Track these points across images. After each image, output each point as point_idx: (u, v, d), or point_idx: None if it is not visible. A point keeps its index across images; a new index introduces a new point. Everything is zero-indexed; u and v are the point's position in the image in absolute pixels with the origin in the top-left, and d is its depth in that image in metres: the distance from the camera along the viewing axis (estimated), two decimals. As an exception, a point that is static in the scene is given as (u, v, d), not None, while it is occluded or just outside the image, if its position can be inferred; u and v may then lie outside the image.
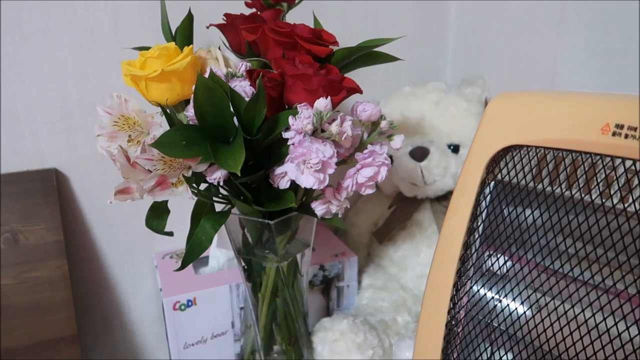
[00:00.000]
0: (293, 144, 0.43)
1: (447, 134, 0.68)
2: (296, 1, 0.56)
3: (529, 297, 0.36)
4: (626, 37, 0.55)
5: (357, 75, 0.65)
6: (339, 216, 0.50)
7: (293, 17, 0.59)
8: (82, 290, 0.69)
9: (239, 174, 0.40)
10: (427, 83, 0.72)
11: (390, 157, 0.69)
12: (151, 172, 0.43)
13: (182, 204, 0.49)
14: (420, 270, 0.69)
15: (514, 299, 0.37)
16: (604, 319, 0.31)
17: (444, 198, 0.69)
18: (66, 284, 0.62)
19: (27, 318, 0.60)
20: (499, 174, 0.37)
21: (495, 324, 0.38)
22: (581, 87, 0.60)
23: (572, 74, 0.61)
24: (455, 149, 0.68)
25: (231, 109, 0.44)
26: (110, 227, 0.69)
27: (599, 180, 0.31)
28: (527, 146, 0.36)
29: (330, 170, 0.43)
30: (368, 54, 0.50)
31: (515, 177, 0.37)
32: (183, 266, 0.47)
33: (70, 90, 0.63)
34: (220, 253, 0.69)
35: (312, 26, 0.51)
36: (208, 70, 0.45)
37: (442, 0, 0.79)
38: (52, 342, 0.61)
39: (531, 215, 0.36)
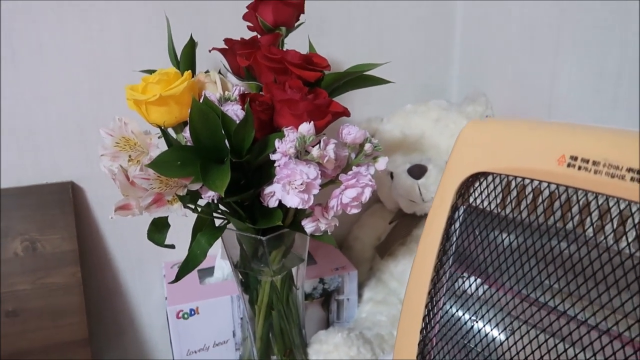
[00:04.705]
0: (279, 166, 0.45)
1: (446, 151, 0.69)
2: (295, 25, 0.59)
3: (502, 320, 0.37)
4: (619, 59, 0.55)
5: (363, 92, 0.67)
6: (329, 233, 0.52)
7: (296, 38, 0.62)
8: (95, 296, 0.73)
9: (223, 195, 0.42)
10: (429, 101, 0.73)
11: (391, 173, 0.71)
12: (148, 190, 0.46)
13: (190, 217, 0.51)
14: (418, 285, 0.70)
15: (488, 322, 0.38)
16: (572, 346, 0.32)
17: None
18: (79, 290, 0.66)
19: (43, 321, 0.65)
20: (469, 199, 0.39)
21: (471, 345, 0.39)
22: (577, 106, 0.61)
23: (569, 93, 0.61)
24: (454, 166, 0.69)
25: (223, 131, 0.47)
26: (122, 237, 0.73)
27: (554, 210, 0.32)
28: (494, 173, 0.37)
29: (315, 191, 0.45)
30: (358, 77, 0.52)
31: (482, 203, 0.38)
32: (177, 279, 0.50)
33: (86, 107, 0.67)
34: (225, 264, 0.72)
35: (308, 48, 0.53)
36: (203, 95, 0.48)
37: (447, 18, 0.80)
38: (65, 345, 0.65)
39: (500, 240, 0.37)
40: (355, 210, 0.48)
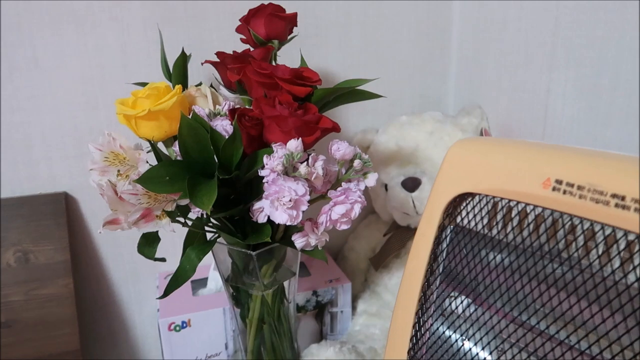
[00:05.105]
0: (267, 182, 0.45)
1: (440, 164, 0.68)
2: (288, 38, 0.59)
3: (490, 341, 0.37)
4: (613, 75, 0.54)
5: (357, 103, 0.66)
6: (319, 248, 0.52)
7: (290, 50, 0.62)
8: (88, 307, 0.73)
9: (209, 213, 0.42)
10: (423, 112, 0.73)
11: (386, 185, 0.70)
12: (136, 205, 0.46)
13: (183, 228, 0.51)
14: (413, 298, 0.69)
15: (476, 343, 0.38)
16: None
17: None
18: (72, 301, 0.66)
19: (35, 333, 0.65)
20: (456, 219, 0.38)
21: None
22: (572, 120, 0.60)
23: (564, 107, 0.61)
24: (448, 179, 0.68)
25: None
26: (116, 248, 0.73)
27: (540, 232, 0.32)
28: (480, 194, 0.36)
29: (304, 207, 0.45)
30: (349, 92, 0.52)
31: (469, 223, 0.37)
32: (166, 294, 0.50)
33: (81, 119, 0.67)
34: (219, 275, 0.71)
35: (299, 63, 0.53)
36: (192, 110, 0.48)
37: (444, 29, 0.80)
38: (57, 356, 0.65)
39: (488, 260, 0.37)
40: (345, 227, 0.48)
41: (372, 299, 0.73)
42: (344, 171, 0.49)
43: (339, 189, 0.47)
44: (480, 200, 0.36)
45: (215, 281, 0.71)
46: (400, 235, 0.71)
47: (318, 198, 0.49)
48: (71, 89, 0.66)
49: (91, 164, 0.48)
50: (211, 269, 0.72)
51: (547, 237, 0.32)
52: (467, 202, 0.37)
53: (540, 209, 0.32)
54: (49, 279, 0.66)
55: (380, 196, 0.71)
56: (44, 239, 0.67)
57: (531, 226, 0.33)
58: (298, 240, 0.50)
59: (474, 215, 0.36)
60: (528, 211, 0.33)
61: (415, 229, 0.70)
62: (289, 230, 0.52)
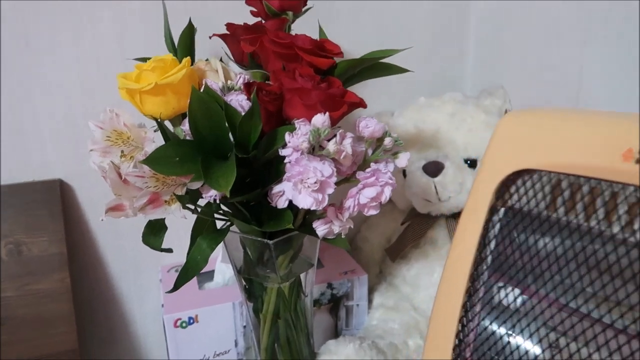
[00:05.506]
0: (290, 162, 0.40)
1: (463, 147, 0.64)
2: (302, 10, 0.54)
3: (546, 336, 0.33)
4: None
5: (370, 85, 0.62)
6: (343, 236, 0.47)
7: (301, 25, 0.57)
8: (86, 302, 0.68)
9: (229, 195, 0.37)
10: (443, 94, 0.69)
11: (404, 171, 0.66)
12: (143, 189, 0.41)
13: (190, 216, 0.47)
14: (433, 290, 0.64)
15: (528, 338, 0.34)
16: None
17: (460, 215, 0.65)
18: (68, 297, 0.61)
19: (29, 331, 0.60)
20: (510, 200, 0.34)
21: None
22: (609, 101, 0.56)
23: (599, 86, 0.57)
24: (472, 163, 0.64)
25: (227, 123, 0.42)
26: (116, 238, 0.68)
27: (620, 213, 0.28)
28: (540, 171, 0.32)
29: (330, 190, 0.41)
30: (375, 66, 0.48)
31: (527, 204, 0.33)
32: (176, 287, 0.45)
33: (76, 101, 0.62)
34: (227, 267, 0.67)
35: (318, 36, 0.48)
36: (204, 84, 0.43)
37: (462, 5, 0.76)
38: (53, 356, 0.60)
39: (546, 246, 0.33)
40: (373, 212, 0.44)
41: (388, 291, 0.69)
42: (370, 151, 0.45)
43: (368, 170, 0.42)
44: (541, 178, 0.31)
45: (222, 274, 0.67)
46: (419, 224, 0.66)
47: (342, 181, 0.45)
48: (65, 69, 0.61)
49: (91, 144, 0.43)
50: (218, 260, 0.67)
51: (627, 220, 0.27)
52: (524, 180, 0.33)
53: (619, 186, 0.28)
54: (43, 273, 0.61)
55: (398, 182, 0.67)
56: (37, 230, 0.62)
57: (607, 206, 0.28)
58: (320, 228, 0.45)
59: (534, 195, 0.32)
60: (603, 188, 0.29)
61: (436, 217, 0.66)
62: (309, 217, 0.48)
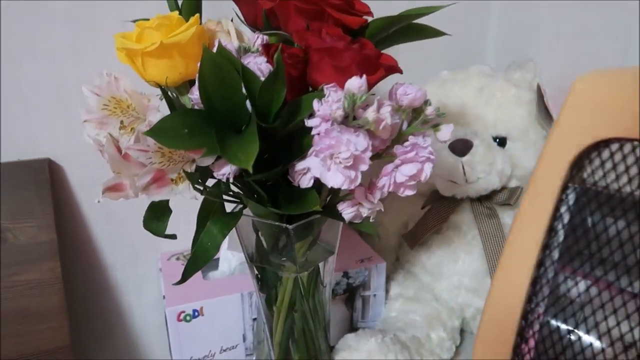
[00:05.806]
0: (318, 134, 0.35)
1: (492, 124, 0.59)
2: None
3: (622, 336, 0.28)
4: None
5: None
6: (371, 220, 0.42)
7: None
8: (80, 294, 0.63)
9: (251, 171, 0.32)
10: (468, 67, 0.63)
11: (425, 150, 0.61)
12: (146, 165, 0.36)
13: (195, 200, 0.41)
14: (457, 279, 0.61)
15: (601, 336, 0.29)
16: None
17: (487, 198, 0.61)
18: (59, 288, 0.56)
19: (16, 326, 0.54)
20: (586, 177, 0.29)
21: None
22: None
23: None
24: (501, 142, 0.59)
25: (244, 90, 0.36)
26: (112, 224, 0.62)
27: None
28: (627, 140, 0.27)
29: (364, 167, 0.35)
30: (409, 27, 0.42)
31: (607, 181, 0.28)
32: (184, 279, 0.40)
33: (66, 69, 0.56)
34: (232, 255, 0.62)
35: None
36: (216, 44, 0.37)
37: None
38: (44, 354, 0.55)
39: (627, 231, 0.28)
40: (409, 192, 0.39)
41: (407, 280, 0.64)
42: (406, 124, 0.39)
43: (406, 144, 0.37)
44: (634, 149, 0.26)
45: (228, 262, 0.62)
46: (442, 208, 0.62)
47: (374, 157, 0.39)
48: (53, 31, 0.54)
49: (85, 114, 0.38)
50: (223, 248, 0.62)
51: None
52: (607, 152, 0.27)
53: None
54: (31, 263, 0.55)
55: (419, 163, 0.62)
56: (24, 215, 0.56)
57: None
58: (346, 211, 0.40)
59: (626, 169, 0.26)
60: None
61: (461, 200, 0.61)
62: (332, 199, 0.43)
